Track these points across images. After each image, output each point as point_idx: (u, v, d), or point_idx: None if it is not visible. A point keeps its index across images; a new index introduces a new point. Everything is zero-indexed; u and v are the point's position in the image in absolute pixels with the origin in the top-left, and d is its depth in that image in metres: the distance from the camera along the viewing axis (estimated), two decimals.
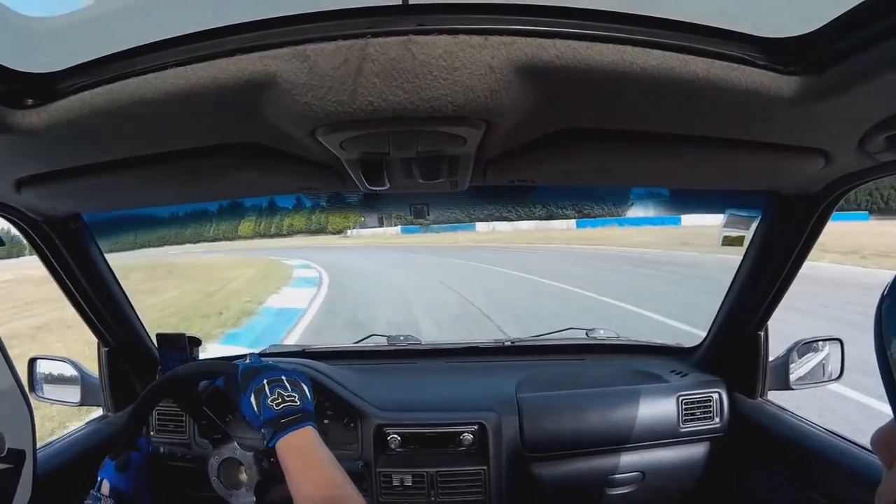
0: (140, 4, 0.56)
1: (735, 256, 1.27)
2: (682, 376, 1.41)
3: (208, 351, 1.26)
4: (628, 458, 1.31)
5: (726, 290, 1.34)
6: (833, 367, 1.33)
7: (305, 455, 0.74)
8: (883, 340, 0.44)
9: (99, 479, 0.90)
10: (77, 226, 1.14)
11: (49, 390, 1.37)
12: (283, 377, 0.81)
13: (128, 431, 0.96)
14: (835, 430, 1.12)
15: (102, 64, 0.55)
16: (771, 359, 1.33)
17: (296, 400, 0.79)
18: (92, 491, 0.88)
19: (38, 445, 1.14)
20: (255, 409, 0.78)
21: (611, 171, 0.94)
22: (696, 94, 0.59)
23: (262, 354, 1.59)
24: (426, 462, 1.22)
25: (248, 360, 0.87)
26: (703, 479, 1.36)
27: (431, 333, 6.02)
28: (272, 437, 0.76)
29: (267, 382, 0.80)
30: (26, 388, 0.65)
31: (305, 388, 0.83)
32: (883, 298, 0.45)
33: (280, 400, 0.78)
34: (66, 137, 0.64)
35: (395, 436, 1.23)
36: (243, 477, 0.91)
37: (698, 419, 1.32)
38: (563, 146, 0.76)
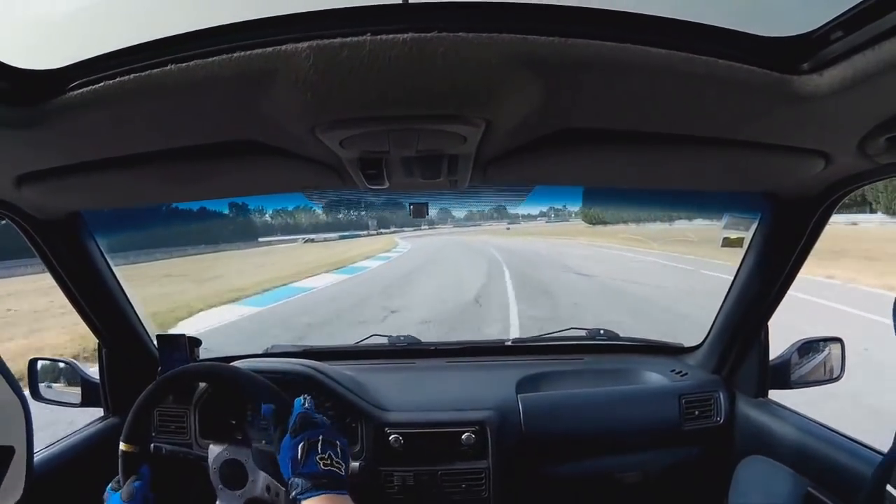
0: (140, 1, 0.55)
1: None
2: (682, 376, 1.41)
3: None
4: (629, 458, 1.31)
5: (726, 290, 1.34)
6: (834, 366, 1.33)
7: None
8: None
9: None
10: (77, 225, 1.14)
11: (49, 392, 1.37)
12: (338, 441, 0.80)
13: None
14: (837, 429, 1.13)
15: (104, 61, 0.54)
16: (772, 358, 1.33)
17: (342, 470, 0.77)
18: None
19: (41, 447, 1.15)
20: (299, 458, 0.76)
21: (610, 172, 0.94)
22: (698, 94, 0.58)
23: (265, 354, 1.59)
24: (428, 461, 1.22)
25: (305, 405, 0.85)
26: (704, 478, 1.36)
27: None
28: (305, 490, 0.74)
29: (322, 439, 0.78)
30: (23, 389, 0.64)
31: (351, 461, 0.83)
32: None
33: (329, 462, 0.76)
34: (68, 134, 0.64)
35: (397, 435, 1.23)
36: (244, 478, 0.92)
37: (699, 418, 1.32)
38: (563, 146, 0.76)
